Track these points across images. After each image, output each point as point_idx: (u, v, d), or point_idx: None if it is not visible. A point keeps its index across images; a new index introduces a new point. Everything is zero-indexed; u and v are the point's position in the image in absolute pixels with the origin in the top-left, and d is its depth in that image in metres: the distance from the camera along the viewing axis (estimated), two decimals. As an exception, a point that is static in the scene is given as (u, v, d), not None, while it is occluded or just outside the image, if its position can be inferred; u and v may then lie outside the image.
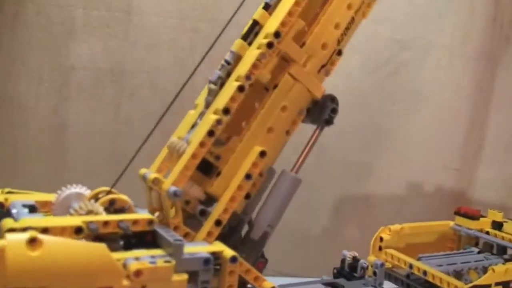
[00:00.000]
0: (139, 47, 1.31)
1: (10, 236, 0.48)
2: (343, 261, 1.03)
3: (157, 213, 0.64)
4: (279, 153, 0.69)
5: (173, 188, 0.59)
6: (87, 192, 0.60)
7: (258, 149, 0.65)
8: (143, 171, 0.64)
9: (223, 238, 0.64)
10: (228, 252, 0.59)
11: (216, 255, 0.58)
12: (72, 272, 0.48)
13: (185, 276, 0.54)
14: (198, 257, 0.56)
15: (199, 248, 0.58)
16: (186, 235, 0.62)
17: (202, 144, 0.61)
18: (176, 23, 1.32)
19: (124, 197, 0.60)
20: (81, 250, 0.49)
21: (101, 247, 0.50)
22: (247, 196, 0.67)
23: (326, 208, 1.42)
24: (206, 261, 0.57)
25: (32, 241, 0.46)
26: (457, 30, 1.40)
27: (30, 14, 1.26)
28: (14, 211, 0.57)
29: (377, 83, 1.42)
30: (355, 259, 1.02)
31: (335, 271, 1.01)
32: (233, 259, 0.59)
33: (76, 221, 0.55)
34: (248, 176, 0.63)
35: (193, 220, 0.65)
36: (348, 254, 1.02)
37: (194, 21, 1.33)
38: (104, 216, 0.56)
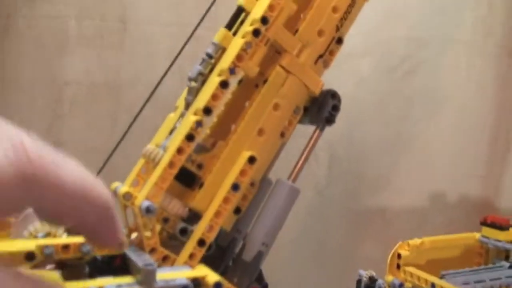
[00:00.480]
0: (136, 58, 1.24)
1: None
2: (359, 281, 0.94)
3: (134, 234, 0.56)
4: (273, 160, 0.60)
5: (146, 203, 0.51)
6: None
7: (246, 154, 0.56)
8: (115, 184, 0.55)
9: (212, 261, 0.55)
10: (212, 277, 0.50)
11: (197, 281, 0.49)
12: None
13: (157, 308, 0.45)
14: (174, 284, 0.47)
15: (177, 273, 0.50)
16: (164, 259, 0.53)
17: (179, 151, 0.53)
18: (174, 31, 1.25)
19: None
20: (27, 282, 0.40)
21: (53, 276, 0.41)
22: (237, 211, 0.58)
23: (339, 224, 1.32)
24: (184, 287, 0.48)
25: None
26: (477, 25, 1.30)
27: (21, 28, 1.20)
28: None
29: (393, 85, 1.32)
30: (372, 279, 0.93)
31: (350, 293, 0.92)
32: (218, 285, 0.49)
33: (28, 245, 0.46)
34: (235, 187, 0.54)
35: (174, 241, 0.56)
36: (365, 274, 0.93)
37: (192, 28, 1.25)
38: (63, 239, 0.48)
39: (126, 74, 1.24)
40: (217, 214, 0.54)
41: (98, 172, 0.64)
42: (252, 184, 0.59)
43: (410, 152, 1.36)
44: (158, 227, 0.54)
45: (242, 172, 0.55)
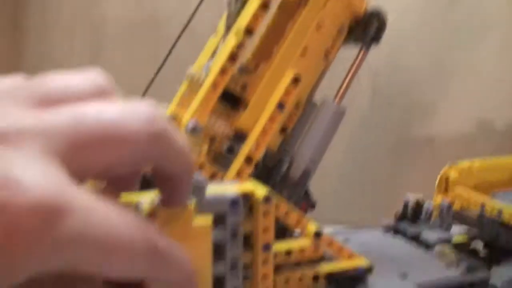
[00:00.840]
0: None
1: None
2: (405, 205, 0.94)
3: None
4: (317, 81, 0.60)
5: (192, 123, 0.52)
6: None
7: (290, 73, 0.56)
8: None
9: (259, 181, 0.56)
10: (261, 191, 0.51)
11: (246, 196, 0.51)
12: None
13: (209, 220, 0.46)
14: (224, 198, 0.49)
15: (225, 188, 0.51)
16: (213, 176, 0.55)
17: (223, 71, 0.53)
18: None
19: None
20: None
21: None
22: (283, 131, 0.58)
23: (384, 153, 1.31)
24: (233, 202, 0.49)
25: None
26: None
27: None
28: None
29: (437, 13, 1.28)
30: (419, 203, 0.93)
31: (396, 216, 0.92)
32: (267, 199, 0.50)
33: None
34: (280, 106, 0.55)
35: (223, 160, 0.57)
36: (411, 197, 0.93)
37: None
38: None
39: (164, 10, 1.23)
40: (263, 132, 0.54)
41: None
42: (297, 105, 0.59)
43: (456, 80, 1.32)
44: (205, 148, 0.55)
45: (287, 92, 0.55)
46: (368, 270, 0.59)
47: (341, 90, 0.60)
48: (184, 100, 0.57)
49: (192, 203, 0.46)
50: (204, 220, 0.47)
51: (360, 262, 0.60)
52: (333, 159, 1.24)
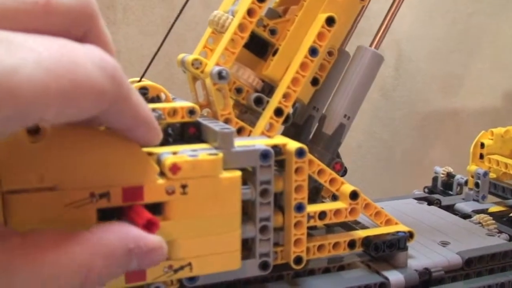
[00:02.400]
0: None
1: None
2: (435, 179, 0.89)
3: (206, 110, 0.52)
4: (352, 26, 0.54)
5: (217, 68, 0.46)
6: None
7: (323, 15, 0.50)
8: (181, 55, 0.51)
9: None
10: (293, 144, 0.45)
11: (277, 148, 0.45)
12: (84, 165, 0.36)
13: (237, 173, 0.41)
14: (254, 149, 0.43)
15: (254, 141, 0.46)
16: (240, 130, 0.49)
17: (250, 12, 0.47)
18: None
19: (158, 85, 0.48)
20: (98, 138, 0.37)
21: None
22: (315, 82, 0.53)
23: (408, 127, 1.25)
24: (264, 154, 0.43)
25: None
26: None
27: None
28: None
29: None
30: (450, 175, 0.87)
31: (426, 190, 0.87)
32: (300, 152, 0.45)
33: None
34: (313, 51, 0.49)
35: (250, 115, 0.52)
36: (441, 170, 0.87)
37: None
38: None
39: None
40: (294, 81, 0.49)
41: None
42: (330, 53, 0.53)
43: (481, 49, 1.26)
44: (231, 100, 0.50)
45: (320, 35, 0.50)
46: (409, 236, 0.54)
47: (379, 34, 0.55)
48: (207, 48, 0.52)
49: (219, 154, 0.41)
50: (232, 173, 0.42)
51: (400, 227, 0.55)
52: (356, 135, 1.18)
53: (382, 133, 1.23)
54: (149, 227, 0.36)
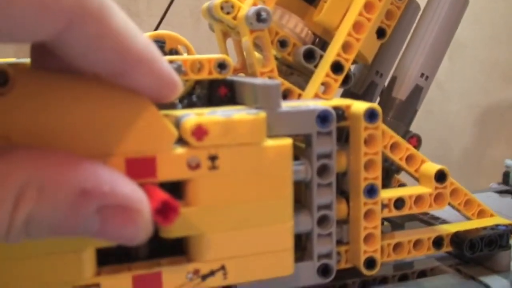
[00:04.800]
0: None
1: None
2: (506, 174, 0.76)
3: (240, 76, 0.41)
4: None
5: (254, 8, 0.35)
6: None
7: None
8: (207, 3, 0.40)
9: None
10: (361, 105, 0.34)
11: (339, 110, 0.34)
12: (71, 125, 0.25)
13: (287, 141, 0.30)
14: (308, 110, 0.32)
15: (309, 103, 0.34)
16: (286, 95, 0.38)
17: None
18: None
19: (178, 35, 0.37)
20: (91, 89, 0.26)
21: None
22: (381, 33, 0.41)
23: (464, 122, 1.12)
24: (323, 116, 0.32)
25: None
26: None
27: None
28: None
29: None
30: (525, 167, 0.74)
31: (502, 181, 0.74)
32: (372, 114, 0.33)
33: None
34: (379, -13, 0.37)
35: (297, 77, 0.40)
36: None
37: None
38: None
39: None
40: (357, 26, 0.37)
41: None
42: (398, -4, 0.41)
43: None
44: (273, 53, 0.38)
45: (388, -34, 0.38)
46: (510, 230, 0.41)
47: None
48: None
49: (261, 113, 0.29)
50: (280, 141, 0.30)
51: (498, 219, 0.42)
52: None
53: (437, 129, 1.10)
54: (165, 213, 0.25)
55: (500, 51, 1.14)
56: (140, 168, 0.26)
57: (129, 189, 0.22)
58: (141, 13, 1.08)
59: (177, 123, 0.29)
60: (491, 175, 0.77)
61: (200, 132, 0.27)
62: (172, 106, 0.36)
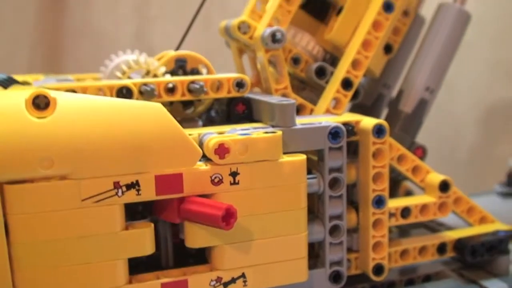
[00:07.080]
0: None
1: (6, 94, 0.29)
2: (510, 175, 0.77)
3: (255, 90, 0.43)
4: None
5: (269, 30, 0.37)
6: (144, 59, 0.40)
7: (399, -37, 0.40)
8: (225, 21, 0.42)
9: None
10: (369, 121, 0.36)
11: (349, 126, 0.36)
12: (106, 146, 0.28)
13: (301, 157, 0.32)
14: (321, 126, 0.34)
15: (320, 119, 0.36)
16: (299, 109, 0.40)
17: (308, -39, 0.38)
18: None
19: (198, 55, 0.39)
20: (122, 111, 0.28)
21: (157, 107, 0.29)
22: (388, 49, 0.43)
23: (471, 120, 1.14)
24: (334, 133, 0.34)
25: (38, 101, 0.27)
26: None
27: None
28: (37, 82, 0.38)
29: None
30: (529, 167, 0.76)
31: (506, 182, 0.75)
32: (380, 130, 0.36)
33: (120, 82, 0.35)
34: (387, 6, 0.39)
35: (309, 92, 0.43)
36: (515, 163, 0.76)
37: None
38: (168, 79, 0.36)
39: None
40: (366, 44, 0.39)
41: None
42: (405, 13, 0.43)
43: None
44: (286, 70, 0.40)
45: (396, -13, 0.40)
46: (510, 235, 0.43)
47: (463, -7, 0.45)
48: (255, 14, 0.43)
49: (278, 132, 0.32)
50: (295, 157, 0.32)
51: (499, 225, 0.44)
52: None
53: (443, 127, 1.12)
54: (228, 219, 0.29)
55: (505, 49, 1.15)
56: (168, 184, 0.29)
57: None
58: (154, 17, 1.10)
59: (200, 142, 0.31)
60: (497, 172, 0.79)
61: (222, 150, 0.30)
62: (193, 121, 0.38)
